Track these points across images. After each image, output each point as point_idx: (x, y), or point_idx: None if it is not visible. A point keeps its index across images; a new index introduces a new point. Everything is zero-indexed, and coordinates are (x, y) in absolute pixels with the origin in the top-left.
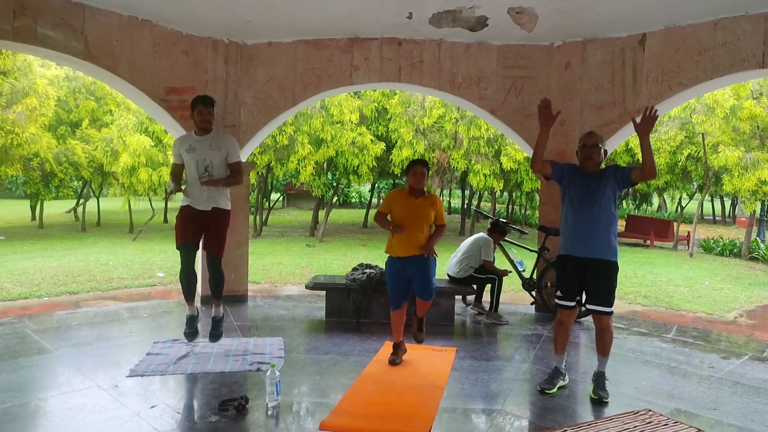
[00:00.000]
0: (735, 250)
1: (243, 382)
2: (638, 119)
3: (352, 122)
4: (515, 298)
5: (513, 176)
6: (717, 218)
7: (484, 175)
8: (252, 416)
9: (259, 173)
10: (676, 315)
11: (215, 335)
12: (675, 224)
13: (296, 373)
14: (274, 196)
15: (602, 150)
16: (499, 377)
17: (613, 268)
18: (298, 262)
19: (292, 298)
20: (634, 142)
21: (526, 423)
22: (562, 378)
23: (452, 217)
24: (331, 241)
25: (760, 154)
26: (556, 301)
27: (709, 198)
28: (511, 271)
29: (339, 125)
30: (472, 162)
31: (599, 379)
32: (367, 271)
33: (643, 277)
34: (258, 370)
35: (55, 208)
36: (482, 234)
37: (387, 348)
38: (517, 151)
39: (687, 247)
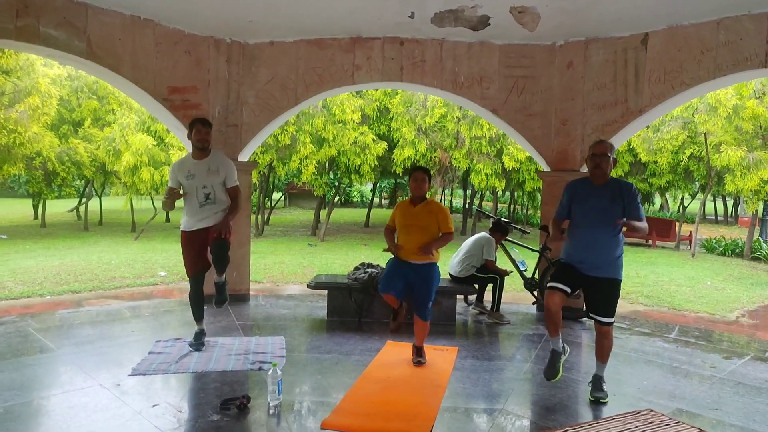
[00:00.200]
0: (737, 250)
1: (245, 381)
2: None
3: (354, 121)
4: (517, 298)
5: (515, 176)
6: (719, 218)
7: (486, 175)
8: (254, 415)
9: (261, 173)
10: (678, 315)
11: (220, 301)
12: (677, 224)
13: (298, 373)
14: (276, 195)
15: (611, 159)
16: (501, 377)
17: (617, 283)
18: (300, 262)
19: (294, 298)
20: (636, 141)
21: (527, 423)
22: (563, 355)
23: (454, 216)
24: (332, 240)
25: (762, 153)
26: (548, 284)
27: (712, 198)
28: (512, 271)
29: (341, 125)
30: (474, 161)
31: (596, 381)
32: (369, 270)
33: (645, 277)
34: (260, 369)
35: (58, 207)
36: (484, 233)
37: (389, 347)
38: (519, 150)
39: (689, 247)
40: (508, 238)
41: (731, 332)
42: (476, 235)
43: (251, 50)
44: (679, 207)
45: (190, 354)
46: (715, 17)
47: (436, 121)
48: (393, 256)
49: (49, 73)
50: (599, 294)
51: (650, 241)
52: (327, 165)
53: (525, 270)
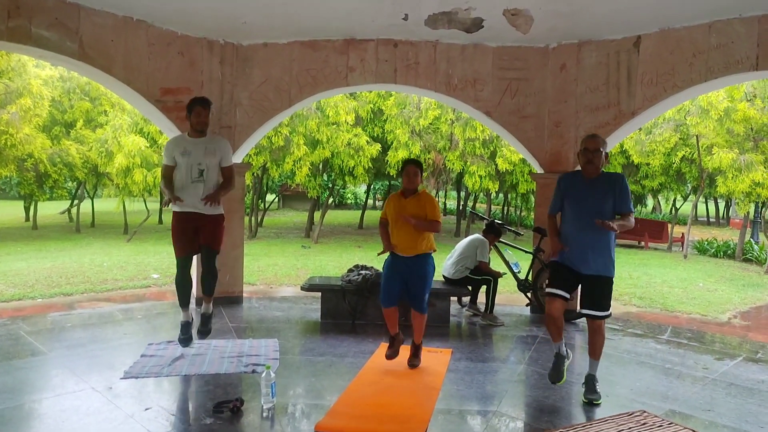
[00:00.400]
0: (729, 252)
1: (238, 384)
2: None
3: (347, 123)
4: (510, 300)
5: (508, 178)
6: (711, 220)
7: (480, 177)
8: (247, 418)
9: (255, 174)
10: (670, 316)
11: (204, 332)
12: (669, 226)
13: (291, 375)
14: (270, 197)
15: (603, 153)
16: (495, 379)
17: (610, 280)
18: (294, 264)
19: (288, 300)
20: (629, 143)
21: (521, 424)
22: (567, 359)
23: (448, 218)
24: (326, 242)
25: (753, 156)
26: (546, 290)
27: (704, 200)
28: (506, 273)
29: (335, 126)
30: (468, 163)
31: (589, 382)
32: (363, 272)
33: (637, 279)
34: (253, 371)
35: (49, 209)
36: (478, 235)
37: (383, 349)
38: (513, 152)
39: (681, 249)
40: (501, 239)
41: (723, 333)
42: (470, 237)
43: (245, 51)
44: (672, 209)
45: (183, 357)
46: (707, 20)
47: (430, 123)
48: (388, 258)
49: (41, 74)
50: (594, 290)
51: (643, 243)
52: (321, 167)
53: (518, 272)
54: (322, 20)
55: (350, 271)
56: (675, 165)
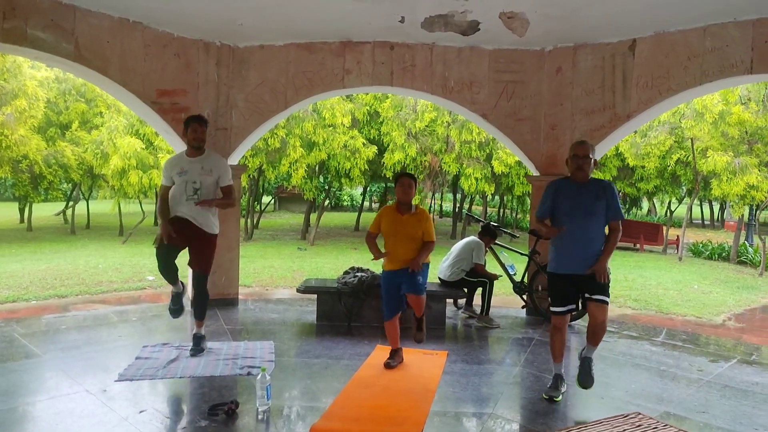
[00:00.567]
0: (723, 254)
1: (233, 386)
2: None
3: (344, 125)
4: (506, 302)
5: (504, 180)
6: (706, 222)
7: (476, 179)
8: (242, 421)
9: (251, 176)
10: (665, 318)
11: (197, 351)
12: (664, 228)
13: (287, 377)
14: (266, 199)
15: (593, 160)
16: (490, 381)
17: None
18: (290, 266)
19: (283, 302)
20: (624, 146)
21: (516, 426)
22: (565, 383)
23: (443, 220)
24: (322, 244)
25: (748, 159)
26: (550, 308)
27: (698, 202)
28: (502, 275)
29: (331, 128)
30: (464, 166)
31: (585, 364)
32: (359, 274)
33: (633, 281)
34: (248, 374)
35: (44, 211)
36: (473, 237)
37: (378, 352)
38: (509, 155)
39: (676, 251)
40: (497, 242)
41: (718, 335)
42: (466, 239)
43: (241, 53)
44: (667, 211)
45: (178, 359)
46: (702, 24)
47: (426, 126)
48: (384, 273)
49: (36, 76)
50: (596, 280)
51: (638, 245)
52: (317, 169)
53: (514, 274)
54: (319, 22)
55: (346, 273)
56: (670, 168)
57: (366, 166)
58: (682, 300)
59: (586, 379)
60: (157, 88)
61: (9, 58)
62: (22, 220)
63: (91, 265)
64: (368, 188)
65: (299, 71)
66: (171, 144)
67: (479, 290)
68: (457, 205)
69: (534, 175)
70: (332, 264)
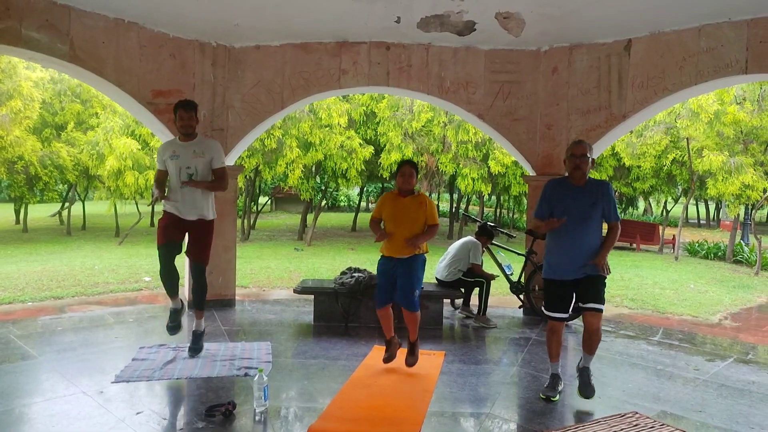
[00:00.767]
0: (719, 254)
1: (230, 387)
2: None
3: (340, 126)
4: (503, 302)
5: (501, 180)
6: (702, 222)
7: (472, 179)
8: (239, 422)
9: (247, 177)
10: (662, 318)
11: (195, 350)
12: (661, 228)
13: (284, 378)
14: (262, 199)
15: (590, 159)
16: (488, 381)
17: (603, 277)
18: (287, 266)
19: (280, 303)
20: (620, 146)
21: (514, 426)
22: (561, 382)
23: (440, 220)
24: (319, 245)
25: (743, 158)
26: (546, 312)
27: (694, 202)
28: (498, 275)
29: (327, 129)
30: (461, 166)
31: (584, 374)
32: (356, 275)
33: (629, 281)
34: (245, 374)
35: (40, 212)
36: (470, 237)
37: (375, 352)
38: (505, 155)
39: (672, 251)
40: (494, 242)
41: (714, 335)
42: (463, 239)
43: (237, 54)
44: (663, 211)
45: (175, 360)
46: (697, 24)
47: (423, 126)
48: (381, 260)
49: (31, 76)
50: (590, 287)
51: (634, 245)
52: (313, 169)
53: (511, 274)
54: (315, 23)
55: (343, 273)
56: (666, 167)
57: (363, 167)
58: (679, 299)
59: (586, 389)
60: (152, 89)
61: (4, 58)
62: (17, 222)
63: (87, 266)
64: (365, 189)
65: (295, 72)
66: None
67: (476, 290)
68: (454, 205)
69: (530, 174)
70: (329, 265)
